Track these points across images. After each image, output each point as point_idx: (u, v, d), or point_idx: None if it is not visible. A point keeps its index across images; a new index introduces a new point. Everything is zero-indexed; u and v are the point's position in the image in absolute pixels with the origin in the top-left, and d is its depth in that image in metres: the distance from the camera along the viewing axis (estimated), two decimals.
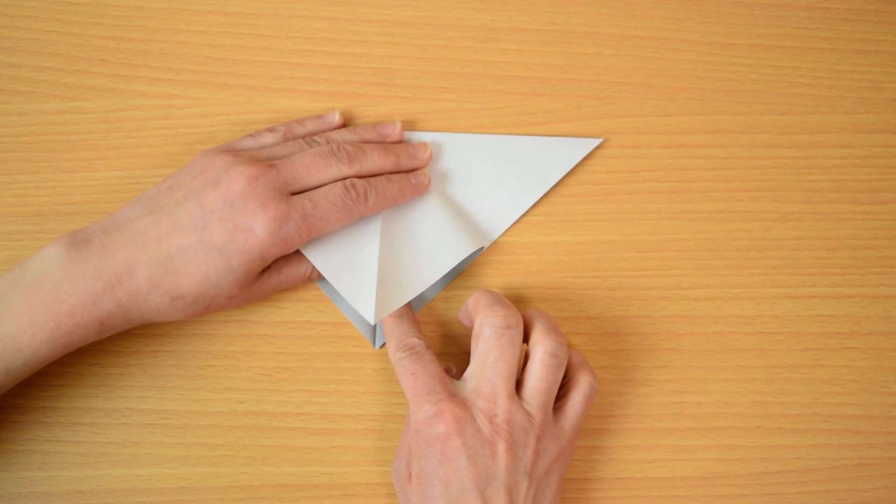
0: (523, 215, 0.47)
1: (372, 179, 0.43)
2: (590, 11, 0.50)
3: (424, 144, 0.46)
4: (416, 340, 0.42)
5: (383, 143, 0.45)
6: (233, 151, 0.42)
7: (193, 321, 0.45)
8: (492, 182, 0.47)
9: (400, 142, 0.47)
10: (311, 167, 0.42)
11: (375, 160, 0.44)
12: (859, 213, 0.48)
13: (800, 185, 0.49)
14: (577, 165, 0.48)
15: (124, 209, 0.41)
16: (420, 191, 0.45)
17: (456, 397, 0.39)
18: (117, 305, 0.38)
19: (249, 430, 0.45)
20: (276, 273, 0.43)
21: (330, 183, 0.42)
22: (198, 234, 0.39)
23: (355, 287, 0.43)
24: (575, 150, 0.48)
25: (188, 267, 0.39)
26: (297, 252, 0.43)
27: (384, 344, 0.45)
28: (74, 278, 0.38)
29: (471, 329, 0.43)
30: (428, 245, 0.45)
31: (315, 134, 0.45)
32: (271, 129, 0.45)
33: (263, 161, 0.41)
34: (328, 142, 0.44)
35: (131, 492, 0.44)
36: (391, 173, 0.45)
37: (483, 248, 0.46)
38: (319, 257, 0.44)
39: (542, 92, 0.49)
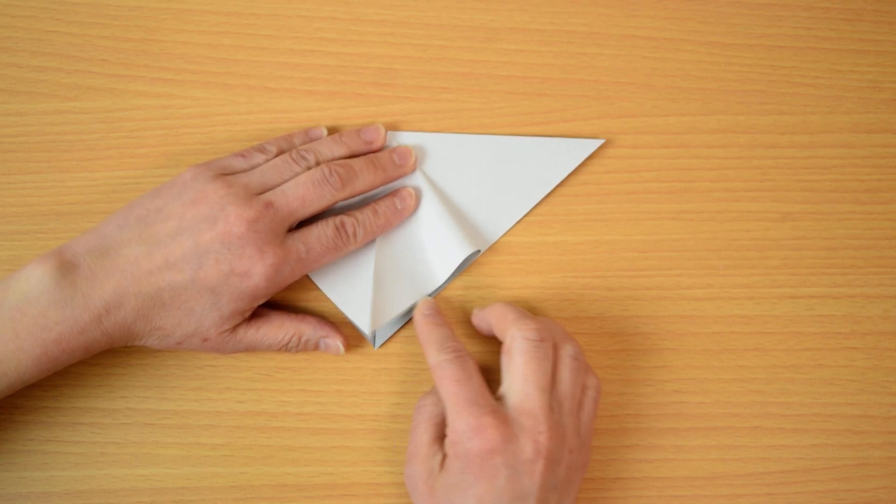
0: (523, 216, 0.47)
1: (359, 216, 0.44)
2: (590, 11, 0.50)
3: (409, 150, 0.46)
4: (459, 345, 0.42)
5: (370, 157, 0.45)
6: (225, 178, 0.41)
7: None
8: (491, 184, 0.47)
9: (383, 146, 0.46)
10: (306, 199, 0.42)
11: (366, 179, 0.44)
12: (859, 213, 0.48)
13: (800, 185, 0.49)
14: (578, 165, 0.48)
15: (110, 227, 0.40)
16: (406, 214, 0.45)
17: (498, 413, 0.38)
18: (102, 333, 0.39)
19: (249, 430, 0.45)
20: (254, 330, 0.42)
21: (321, 221, 0.43)
22: (192, 273, 0.39)
23: (351, 297, 0.45)
24: (576, 151, 0.48)
25: (176, 301, 0.39)
26: (278, 315, 0.43)
27: (384, 343, 0.46)
28: (62, 305, 0.37)
29: (483, 333, 0.44)
30: (424, 252, 0.45)
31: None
32: (261, 150, 0.44)
33: (259, 198, 0.41)
34: (317, 159, 0.44)
35: (131, 492, 0.44)
36: (380, 185, 0.45)
37: (480, 250, 0.46)
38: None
39: (542, 92, 0.49)
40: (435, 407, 0.41)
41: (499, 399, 0.40)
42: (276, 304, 0.45)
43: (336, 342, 0.44)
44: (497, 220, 0.47)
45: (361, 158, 0.45)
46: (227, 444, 0.44)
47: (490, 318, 0.43)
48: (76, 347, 0.38)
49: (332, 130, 0.47)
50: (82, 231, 0.45)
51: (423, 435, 0.40)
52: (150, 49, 0.48)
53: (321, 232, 0.42)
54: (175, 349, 0.42)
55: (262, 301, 0.42)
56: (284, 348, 0.43)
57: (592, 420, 0.41)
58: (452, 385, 0.40)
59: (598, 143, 0.48)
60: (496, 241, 0.47)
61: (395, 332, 0.46)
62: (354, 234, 0.43)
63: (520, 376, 0.39)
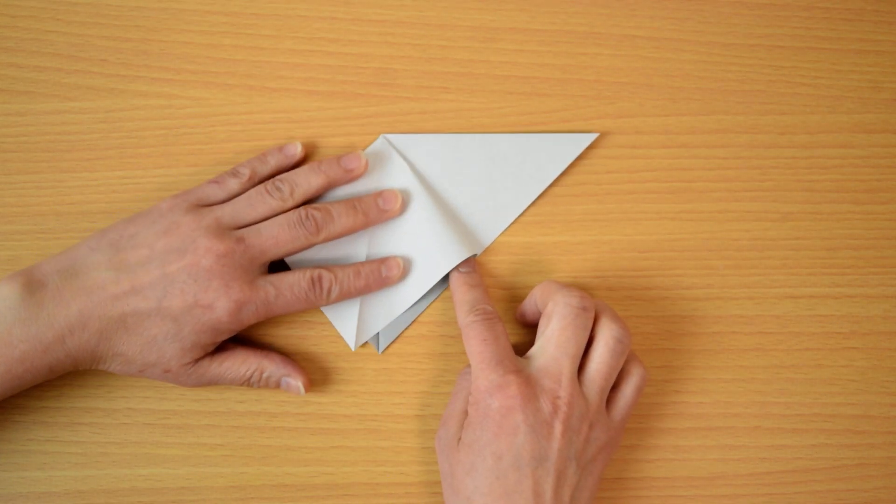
0: (522, 215, 0.47)
1: (339, 273, 0.43)
2: (590, 11, 0.50)
3: (395, 194, 0.45)
4: (489, 308, 0.42)
5: (352, 201, 0.44)
6: (199, 211, 0.41)
7: None
8: (487, 182, 0.47)
9: (363, 173, 0.45)
10: (279, 239, 0.41)
11: (344, 223, 0.43)
12: (859, 213, 0.48)
13: (800, 185, 0.49)
14: (578, 165, 0.48)
15: (82, 249, 0.40)
16: (389, 283, 0.44)
17: (522, 372, 0.39)
18: (66, 354, 0.39)
19: (249, 430, 0.45)
20: (217, 364, 0.42)
21: (298, 270, 0.42)
22: (157, 301, 0.39)
23: (339, 310, 0.45)
24: (571, 146, 0.47)
25: (139, 328, 0.39)
26: (242, 350, 0.43)
27: (386, 345, 0.46)
28: (27, 323, 0.38)
29: (528, 322, 0.45)
30: (416, 260, 0.45)
31: (279, 171, 0.45)
32: (235, 174, 0.44)
33: (232, 233, 0.41)
34: (292, 189, 0.43)
35: (131, 492, 0.44)
36: (360, 229, 0.44)
37: (476, 254, 0.46)
38: None
39: (542, 92, 0.49)
40: None
41: (527, 359, 0.40)
42: (241, 339, 0.44)
43: (297, 382, 0.43)
44: (493, 219, 0.47)
45: (343, 202, 0.44)
46: (227, 444, 0.44)
47: (536, 293, 0.43)
48: (40, 366, 0.38)
49: (332, 131, 0.47)
50: (82, 231, 0.46)
51: (461, 401, 0.41)
52: (150, 49, 0.48)
53: (295, 281, 0.42)
54: (138, 377, 0.42)
55: (225, 337, 0.41)
56: (247, 383, 0.43)
57: (630, 407, 0.41)
58: (478, 344, 0.40)
59: (592, 136, 0.48)
60: (495, 242, 0.47)
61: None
62: (329, 292, 0.43)
63: (553, 340, 0.40)
